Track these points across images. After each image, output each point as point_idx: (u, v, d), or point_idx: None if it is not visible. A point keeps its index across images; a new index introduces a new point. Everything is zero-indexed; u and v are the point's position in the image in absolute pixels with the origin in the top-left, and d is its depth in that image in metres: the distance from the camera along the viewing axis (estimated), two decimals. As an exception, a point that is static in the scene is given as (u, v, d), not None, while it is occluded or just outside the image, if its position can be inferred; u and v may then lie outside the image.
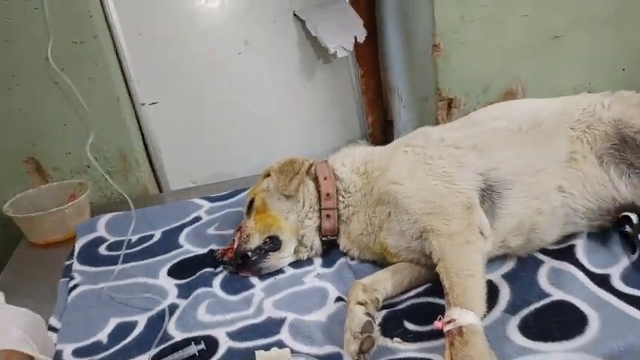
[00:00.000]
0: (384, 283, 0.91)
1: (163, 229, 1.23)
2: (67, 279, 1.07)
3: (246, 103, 1.74)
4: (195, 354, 0.81)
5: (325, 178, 1.05)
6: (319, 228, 1.04)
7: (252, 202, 1.07)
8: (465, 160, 0.97)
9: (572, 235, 0.97)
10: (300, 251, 1.05)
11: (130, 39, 1.54)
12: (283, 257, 1.03)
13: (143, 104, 1.62)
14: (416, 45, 1.63)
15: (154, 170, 1.66)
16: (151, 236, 1.21)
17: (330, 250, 1.06)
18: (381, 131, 2.03)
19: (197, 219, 1.25)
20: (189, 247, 1.15)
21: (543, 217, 0.93)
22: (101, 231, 1.22)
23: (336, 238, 1.04)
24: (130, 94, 1.56)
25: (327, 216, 1.03)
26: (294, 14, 1.72)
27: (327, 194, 1.03)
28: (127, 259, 1.11)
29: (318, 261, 1.05)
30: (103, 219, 1.25)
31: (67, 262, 1.14)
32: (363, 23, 1.79)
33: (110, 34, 1.46)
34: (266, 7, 1.69)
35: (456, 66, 1.54)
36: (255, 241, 1.01)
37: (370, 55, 1.94)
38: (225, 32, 1.68)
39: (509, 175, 0.95)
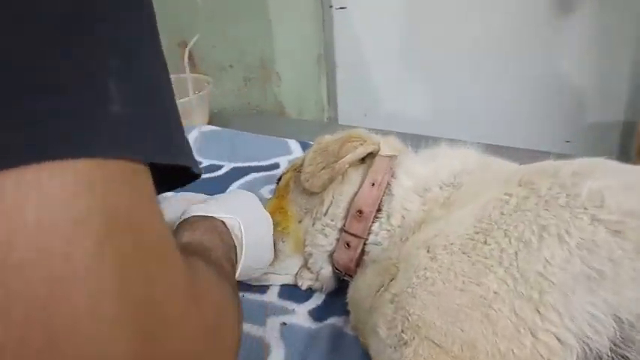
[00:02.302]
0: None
1: (236, 164, 1.02)
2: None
3: (455, 45, 1.28)
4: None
5: (373, 185, 0.63)
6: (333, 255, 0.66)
7: (280, 178, 0.75)
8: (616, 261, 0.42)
9: None
10: (302, 275, 0.70)
11: None
12: (271, 272, 0.70)
13: (331, 6, 1.36)
14: None
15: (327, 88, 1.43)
16: (220, 167, 1.01)
17: (343, 291, 0.67)
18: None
19: (274, 166, 0.99)
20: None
21: None
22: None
23: (351, 279, 0.64)
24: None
25: (347, 244, 0.63)
26: None
27: (359, 212, 0.62)
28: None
29: (314, 300, 0.68)
30: (197, 130, 1.10)
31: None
32: None
33: None
34: None
35: None
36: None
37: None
38: None
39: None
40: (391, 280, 0.53)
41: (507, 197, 0.50)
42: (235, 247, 0.56)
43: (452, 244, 0.48)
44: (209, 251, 0.47)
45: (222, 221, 0.55)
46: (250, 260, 0.58)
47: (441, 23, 1.29)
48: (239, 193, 0.69)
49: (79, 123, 0.23)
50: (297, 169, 0.70)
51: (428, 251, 0.49)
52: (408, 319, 0.46)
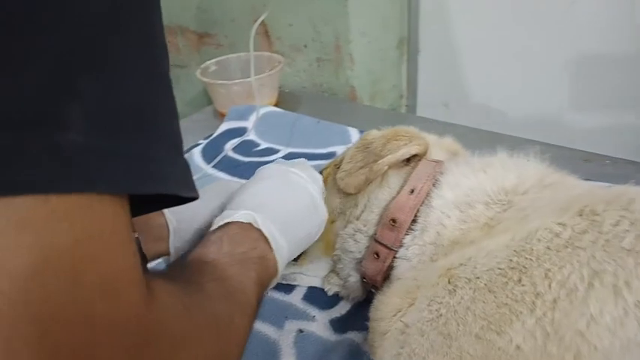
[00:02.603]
0: None
1: (292, 149, 0.97)
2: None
3: (559, 38, 1.12)
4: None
5: (412, 192, 0.56)
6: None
7: (322, 172, 0.69)
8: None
9: None
10: (330, 280, 0.64)
11: None
12: (298, 273, 0.65)
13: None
14: None
15: (409, 73, 1.34)
16: (276, 151, 0.98)
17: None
18: None
19: (331, 155, 0.94)
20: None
21: None
22: (250, 122, 1.06)
23: (376, 292, 0.58)
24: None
25: (376, 255, 0.56)
26: None
27: (393, 220, 0.55)
28: (226, 167, 0.94)
29: (339, 309, 0.62)
30: (257, 112, 1.07)
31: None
32: None
33: None
34: None
35: None
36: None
37: None
38: None
39: None
40: (410, 306, 0.46)
41: (560, 229, 0.41)
42: (267, 240, 0.52)
43: (478, 277, 0.40)
44: (208, 265, 0.43)
45: (240, 222, 0.51)
46: (287, 241, 0.53)
47: (546, 12, 1.13)
48: (266, 175, 0.62)
49: (19, 155, 0.22)
50: (337, 164, 0.65)
51: (449, 282, 0.42)
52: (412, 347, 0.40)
